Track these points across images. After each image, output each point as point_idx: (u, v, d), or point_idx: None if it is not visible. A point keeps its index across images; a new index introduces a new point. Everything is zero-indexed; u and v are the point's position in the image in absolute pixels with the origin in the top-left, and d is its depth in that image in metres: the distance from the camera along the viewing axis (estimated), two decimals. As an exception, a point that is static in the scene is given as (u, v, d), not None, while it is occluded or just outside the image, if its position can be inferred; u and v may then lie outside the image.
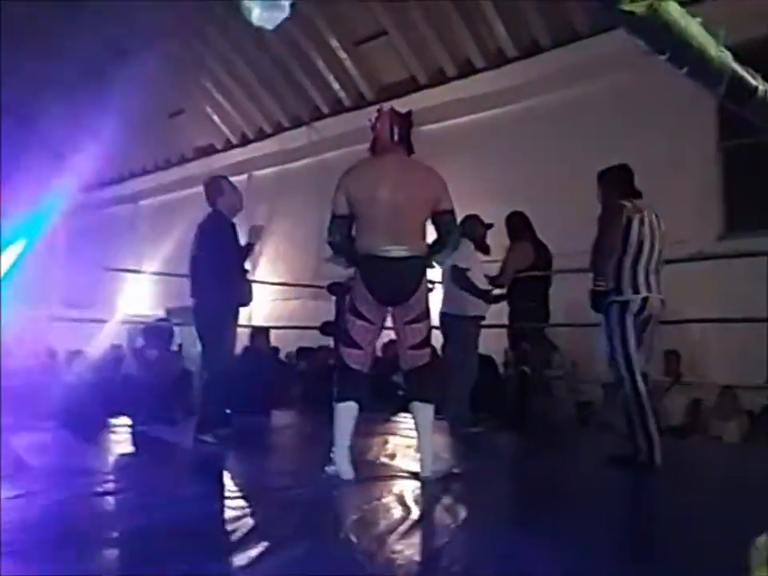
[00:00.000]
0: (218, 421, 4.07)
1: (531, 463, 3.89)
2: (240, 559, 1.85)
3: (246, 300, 4.36)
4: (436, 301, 4.54)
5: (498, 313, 5.17)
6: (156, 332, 5.76)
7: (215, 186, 4.33)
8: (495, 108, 8.28)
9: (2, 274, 4.61)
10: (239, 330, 4.54)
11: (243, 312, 4.49)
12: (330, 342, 6.27)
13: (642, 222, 3.51)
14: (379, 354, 5.76)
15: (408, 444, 3.90)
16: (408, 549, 1.98)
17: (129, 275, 10.53)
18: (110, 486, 2.83)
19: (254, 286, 4.77)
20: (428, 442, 3.12)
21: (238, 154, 11.24)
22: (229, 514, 2.39)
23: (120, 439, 4.36)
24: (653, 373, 4.01)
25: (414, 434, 3.22)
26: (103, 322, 6.76)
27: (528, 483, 3.37)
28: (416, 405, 3.11)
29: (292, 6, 2.28)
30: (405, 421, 4.93)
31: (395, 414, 5.54)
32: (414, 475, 3.10)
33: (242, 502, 2.56)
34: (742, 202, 6.50)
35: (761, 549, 1.50)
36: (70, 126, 8.62)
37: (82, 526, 2.20)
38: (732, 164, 6.59)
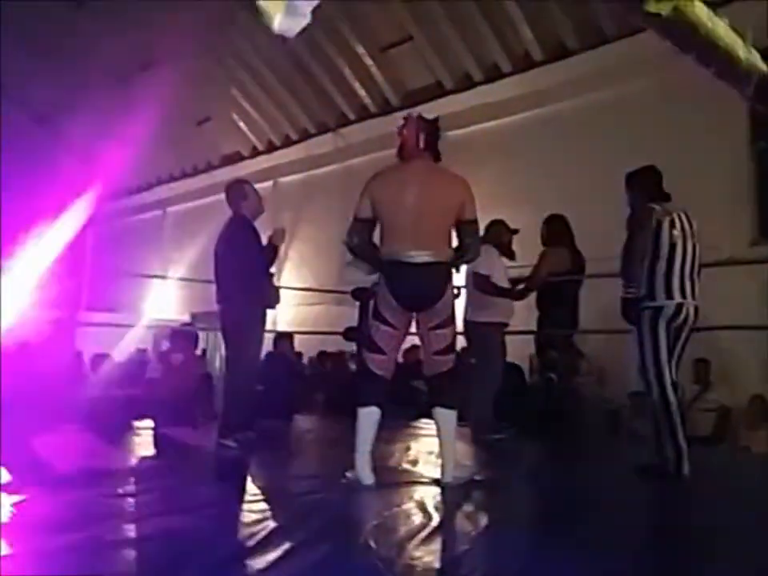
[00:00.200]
0: (240, 425, 4.07)
1: (555, 472, 3.82)
2: (259, 563, 1.84)
3: (272, 303, 4.36)
4: (461, 307, 4.51)
5: (524, 319, 5.12)
6: (181, 336, 5.80)
7: (238, 190, 4.33)
8: (522, 112, 8.24)
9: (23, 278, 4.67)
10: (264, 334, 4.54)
11: (269, 317, 4.49)
12: (350, 346, 6.26)
13: (672, 225, 3.40)
14: (400, 359, 5.74)
15: (430, 450, 3.86)
16: (427, 555, 1.95)
17: (155, 280, 10.65)
18: (131, 488, 2.85)
19: (280, 292, 4.78)
20: (450, 449, 3.08)
21: (264, 161, 11.33)
22: (249, 517, 2.37)
23: (143, 442, 4.38)
24: (683, 381, 3.91)
25: (436, 440, 3.18)
26: (129, 326, 6.84)
27: (551, 492, 3.30)
28: (438, 411, 3.08)
29: (313, 13, 2.28)
30: (427, 427, 4.89)
31: (416, 419, 5.50)
32: (436, 482, 3.07)
33: (261, 506, 2.55)
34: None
35: None
36: (98, 133, 8.74)
37: (101, 526, 2.19)
38: (765, 168, 6.45)
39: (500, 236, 4.85)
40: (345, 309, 6.79)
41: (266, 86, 10.69)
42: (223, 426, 4.05)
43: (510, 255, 4.98)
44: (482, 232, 3.44)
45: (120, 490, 2.79)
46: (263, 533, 2.13)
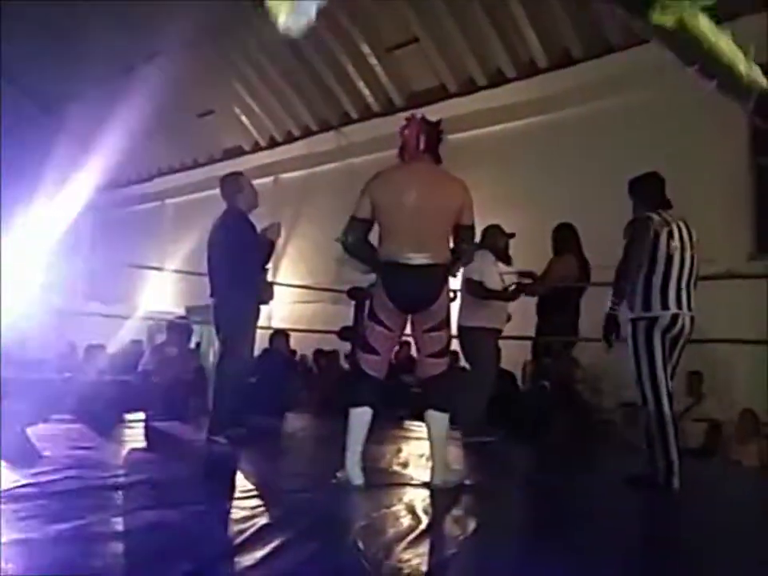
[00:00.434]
0: (230, 421, 4.05)
1: (545, 479, 3.82)
2: (247, 559, 1.83)
3: (266, 299, 4.34)
4: (455, 311, 4.51)
5: (521, 325, 5.12)
6: (177, 329, 5.80)
7: (233, 182, 4.30)
8: (525, 118, 8.25)
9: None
10: (259, 331, 4.52)
11: (264, 313, 4.47)
12: (344, 345, 6.26)
13: (670, 236, 3.38)
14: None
15: (421, 453, 3.86)
16: (415, 558, 1.95)
17: (151, 273, 10.63)
18: (121, 481, 2.84)
19: (276, 288, 4.76)
20: (441, 452, 3.08)
21: (265, 156, 11.32)
22: (238, 513, 2.37)
23: (134, 434, 4.37)
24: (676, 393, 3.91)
25: (427, 442, 3.18)
26: (124, 317, 6.82)
27: (540, 498, 3.31)
28: (431, 413, 3.08)
29: (318, 12, 2.28)
30: (419, 429, 4.89)
31: (408, 418, 5.50)
32: (426, 484, 3.06)
33: (251, 503, 2.54)
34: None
35: None
36: (99, 123, 8.74)
37: (90, 518, 2.19)
38: (765, 182, 6.47)
39: (496, 241, 4.84)
40: (341, 308, 6.79)
41: (270, 81, 10.68)
42: (214, 421, 4.04)
43: (506, 260, 4.99)
44: (478, 237, 3.44)
45: (110, 482, 2.79)
46: (252, 529, 2.12)
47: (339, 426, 3.14)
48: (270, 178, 11.00)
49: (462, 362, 5.06)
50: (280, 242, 4.45)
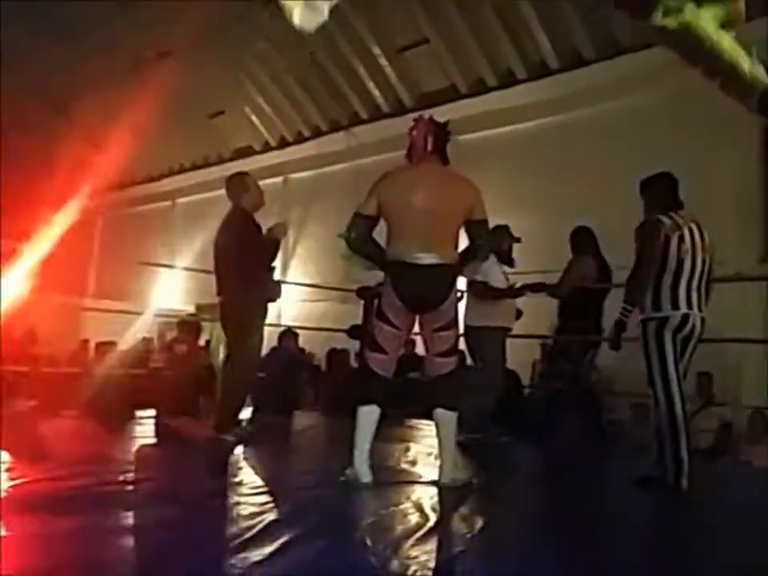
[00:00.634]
0: (238, 419, 4.06)
1: (553, 479, 3.82)
2: (255, 555, 1.84)
3: (273, 297, 4.34)
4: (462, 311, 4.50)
5: (531, 325, 5.10)
6: (186, 327, 5.83)
7: (239, 182, 4.30)
8: (536, 119, 8.24)
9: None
10: (268, 329, 4.53)
11: (273, 312, 4.48)
12: (355, 345, 6.27)
13: (681, 240, 3.36)
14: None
15: (429, 451, 3.87)
16: (423, 555, 1.95)
17: (162, 270, 10.69)
18: (130, 476, 2.86)
19: (285, 287, 4.77)
20: (449, 450, 3.09)
21: (275, 156, 11.34)
22: (245, 510, 2.38)
23: (144, 430, 4.40)
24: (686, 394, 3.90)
25: (435, 441, 3.18)
26: (135, 314, 6.86)
27: (547, 498, 3.32)
28: (439, 412, 3.09)
29: (331, 12, 2.30)
30: (427, 427, 4.89)
31: (416, 416, 5.50)
32: (434, 483, 3.07)
33: (259, 499, 2.56)
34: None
35: None
36: (112, 121, 8.79)
37: (100, 513, 2.21)
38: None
39: (501, 242, 4.81)
40: (349, 307, 6.80)
41: (281, 82, 10.71)
42: (222, 419, 4.05)
43: (509, 263, 4.94)
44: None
45: (120, 478, 2.81)
46: (260, 526, 2.14)
47: (348, 424, 3.15)
48: (280, 178, 11.03)
49: (469, 362, 5.04)
50: (290, 241, 4.47)
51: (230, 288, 4.08)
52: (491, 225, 3.35)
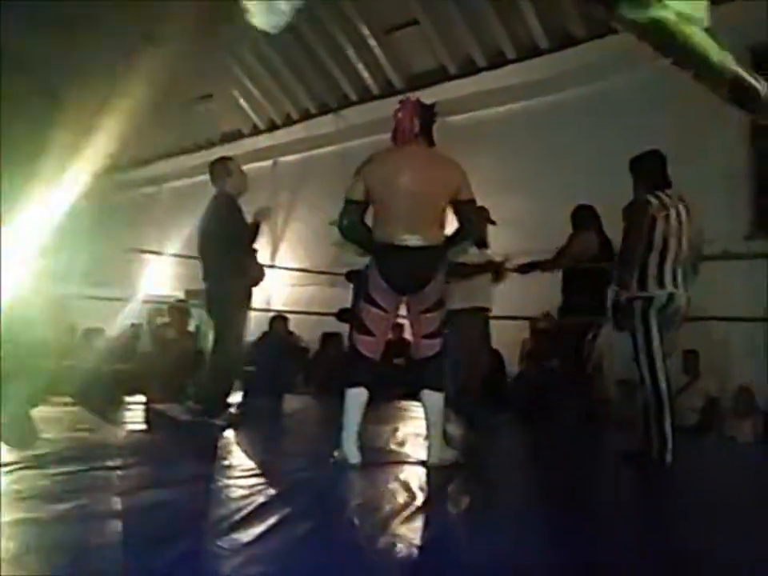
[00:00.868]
0: (227, 403, 4.08)
1: (540, 456, 3.87)
2: (245, 536, 1.86)
3: (257, 280, 4.34)
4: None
5: (518, 305, 5.11)
6: (176, 312, 5.82)
7: (222, 167, 4.31)
8: (526, 99, 8.20)
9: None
10: (258, 314, 4.54)
11: (263, 296, 4.49)
12: (345, 328, 6.28)
13: (667, 220, 3.39)
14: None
15: (418, 432, 3.90)
16: (410, 533, 1.98)
17: (151, 256, 10.62)
18: (119, 461, 2.88)
19: (274, 271, 4.77)
20: (437, 431, 3.12)
21: (264, 140, 11.26)
22: (235, 492, 2.40)
23: (134, 416, 4.41)
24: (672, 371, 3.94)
25: (424, 422, 3.21)
26: (124, 300, 6.84)
27: (535, 476, 3.35)
28: (426, 393, 3.12)
29: (298, 11, 2.24)
30: (416, 409, 4.92)
31: (402, 398, 5.53)
32: (422, 463, 3.10)
33: (249, 482, 2.58)
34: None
35: None
36: (99, 105, 8.69)
37: (90, 498, 2.23)
38: (763, 161, 6.46)
39: (478, 225, 4.71)
40: (339, 290, 6.80)
41: (269, 64, 10.62)
42: (210, 403, 4.06)
43: (483, 245, 4.85)
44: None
45: (110, 463, 2.83)
46: (250, 507, 2.16)
47: (337, 406, 3.18)
48: (269, 162, 10.97)
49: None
50: (278, 225, 4.46)
51: (214, 272, 4.08)
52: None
